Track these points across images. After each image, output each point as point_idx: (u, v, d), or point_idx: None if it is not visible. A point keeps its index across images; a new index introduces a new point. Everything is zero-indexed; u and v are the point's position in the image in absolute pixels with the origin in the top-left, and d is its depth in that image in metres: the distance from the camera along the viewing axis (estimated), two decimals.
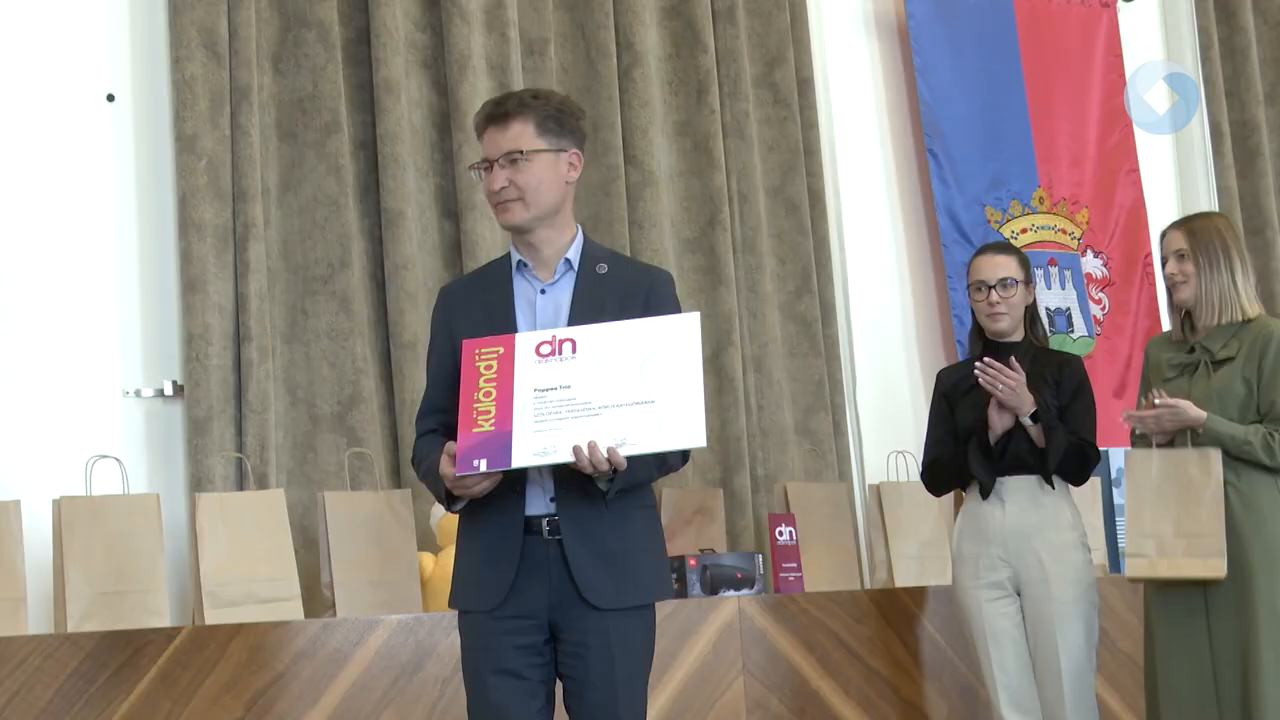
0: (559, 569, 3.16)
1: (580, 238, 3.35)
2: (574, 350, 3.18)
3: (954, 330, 6.06)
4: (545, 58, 5.38)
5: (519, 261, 3.31)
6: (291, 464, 4.75)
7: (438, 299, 3.42)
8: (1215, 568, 4.12)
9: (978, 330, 4.60)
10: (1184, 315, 4.41)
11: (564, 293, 3.28)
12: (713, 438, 5.46)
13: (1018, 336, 4.54)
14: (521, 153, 3.21)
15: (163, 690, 3.81)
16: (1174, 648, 4.26)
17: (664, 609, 4.49)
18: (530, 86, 5.26)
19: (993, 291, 4.49)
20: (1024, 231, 6.33)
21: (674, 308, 3.34)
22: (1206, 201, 6.91)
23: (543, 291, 3.29)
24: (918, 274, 6.24)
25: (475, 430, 3.09)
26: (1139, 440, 4.39)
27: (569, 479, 3.16)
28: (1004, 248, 4.72)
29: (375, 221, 4.97)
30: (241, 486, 4.52)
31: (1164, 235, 4.49)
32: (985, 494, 4.42)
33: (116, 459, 4.34)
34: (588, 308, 3.24)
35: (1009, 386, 4.24)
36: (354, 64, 4.99)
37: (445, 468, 3.08)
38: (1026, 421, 4.30)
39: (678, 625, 4.52)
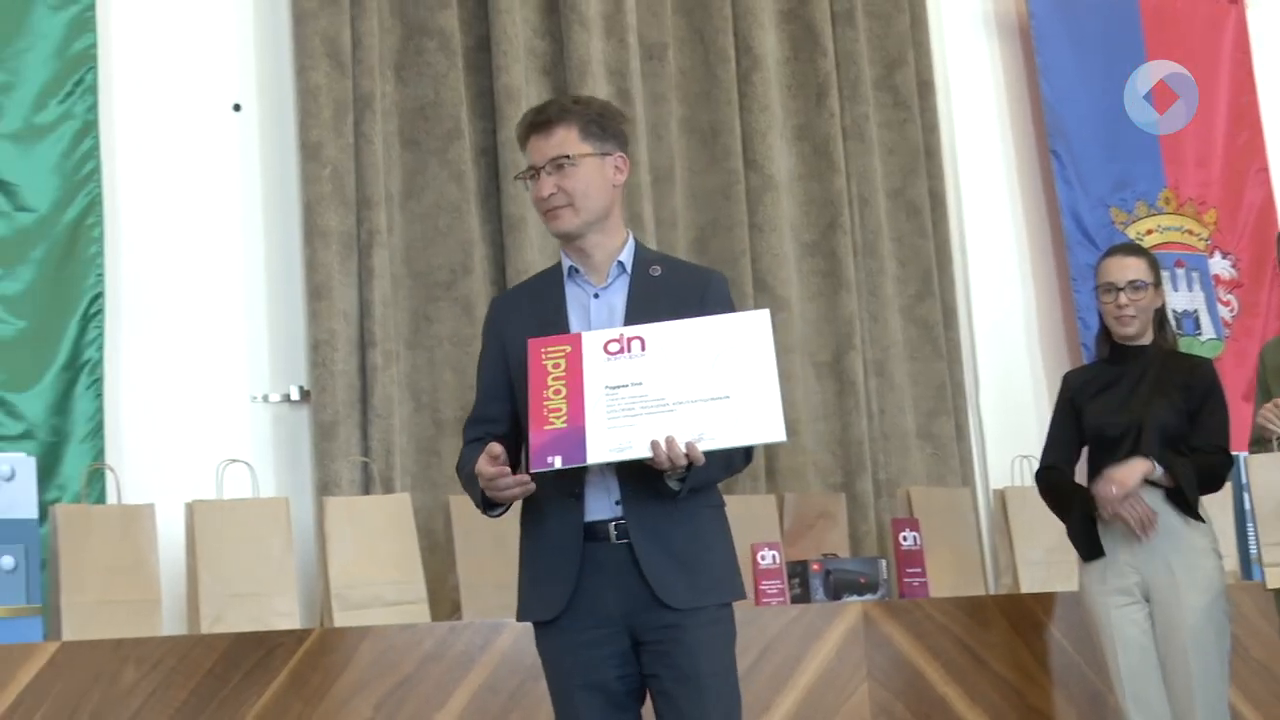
0: (630, 573, 3.10)
1: (631, 241, 3.31)
2: (643, 348, 3.15)
3: (1079, 333, 6.00)
4: (664, 62, 5.41)
5: (570, 268, 3.27)
6: (415, 468, 4.81)
7: (488, 309, 3.41)
8: None
9: (1105, 333, 4.56)
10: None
11: (618, 296, 3.25)
12: (834, 442, 5.47)
13: (1146, 340, 4.49)
14: (568, 157, 3.17)
15: (294, 691, 3.88)
16: None
17: (784, 615, 4.52)
18: (648, 91, 5.30)
19: (1121, 294, 4.45)
20: (1150, 233, 6.27)
21: (729, 307, 3.31)
22: None
23: (596, 295, 3.25)
24: (1041, 276, 6.20)
25: (548, 427, 3.03)
26: (1257, 446, 4.28)
27: (635, 480, 3.12)
28: (1133, 249, 4.68)
29: (496, 228, 5.02)
30: (367, 490, 4.58)
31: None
32: (1085, 558, 4.41)
33: (246, 463, 4.41)
34: (643, 310, 3.20)
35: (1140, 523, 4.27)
36: (475, 71, 5.05)
37: (484, 465, 3.03)
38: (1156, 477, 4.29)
39: (802, 629, 4.52)
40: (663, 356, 3.13)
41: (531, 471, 3.02)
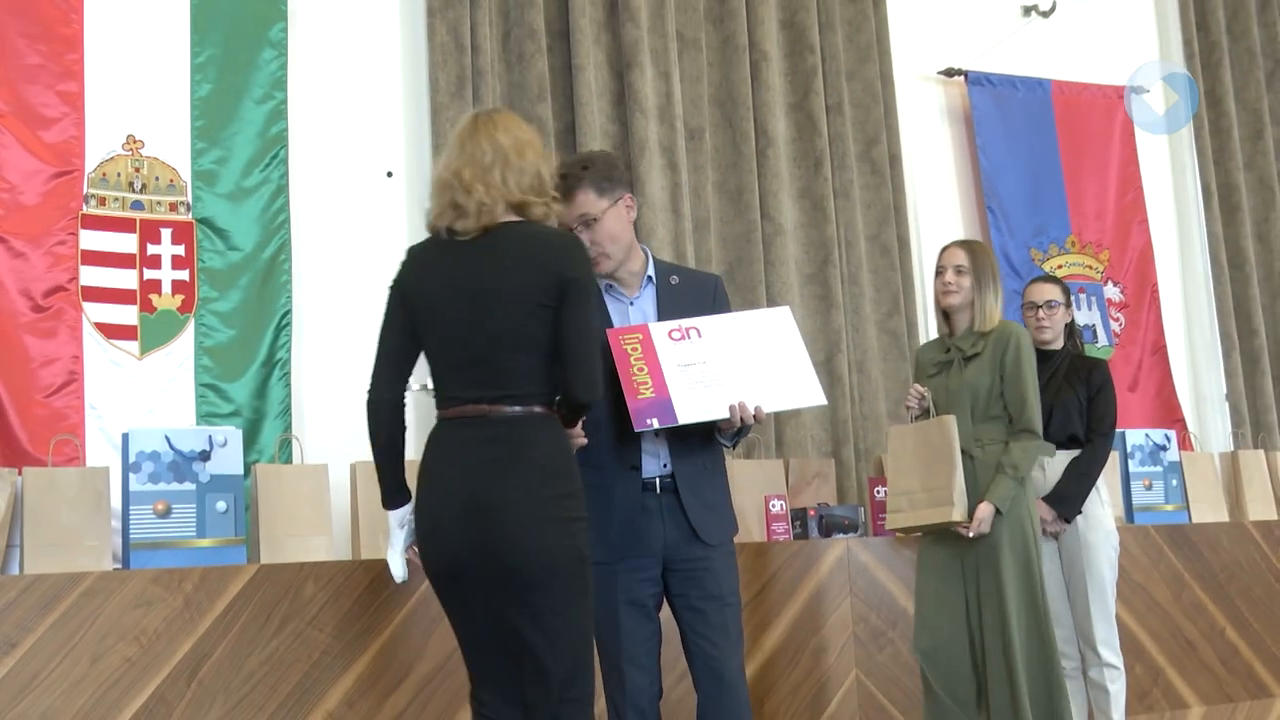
0: (676, 516, 3.06)
1: (650, 258, 3.22)
2: (699, 335, 3.10)
3: None
4: (702, 142, 5.34)
5: (606, 284, 3.18)
6: None
7: None
8: (947, 513, 3.75)
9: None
10: (945, 318, 4.06)
11: (649, 303, 3.18)
12: (826, 421, 5.39)
13: (1058, 345, 4.42)
14: (594, 218, 3.08)
15: (433, 598, 3.79)
16: (939, 593, 3.89)
17: (789, 548, 4.45)
18: (691, 162, 5.23)
19: (1040, 310, 4.39)
20: (1059, 267, 6.17)
21: (727, 301, 3.29)
22: (1199, 244, 6.70)
23: (631, 304, 3.18)
24: None
25: (640, 396, 2.97)
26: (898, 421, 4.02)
27: (681, 446, 3.08)
28: (1049, 278, 4.61)
29: None
30: None
31: (945, 250, 4.08)
32: None
33: None
34: (671, 312, 3.15)
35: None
36: (564, 149, 4.97)
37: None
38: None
39: (802, 559, 4.45)
40: (716, 342, 3.09)
41: (636, 430, 2.95)
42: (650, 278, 3.21)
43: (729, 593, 3.13)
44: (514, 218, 2.78)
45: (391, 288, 2.89)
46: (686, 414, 2.96)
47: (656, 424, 2.96)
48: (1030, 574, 3.82)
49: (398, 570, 2.89)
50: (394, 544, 2.91)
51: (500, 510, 2.66)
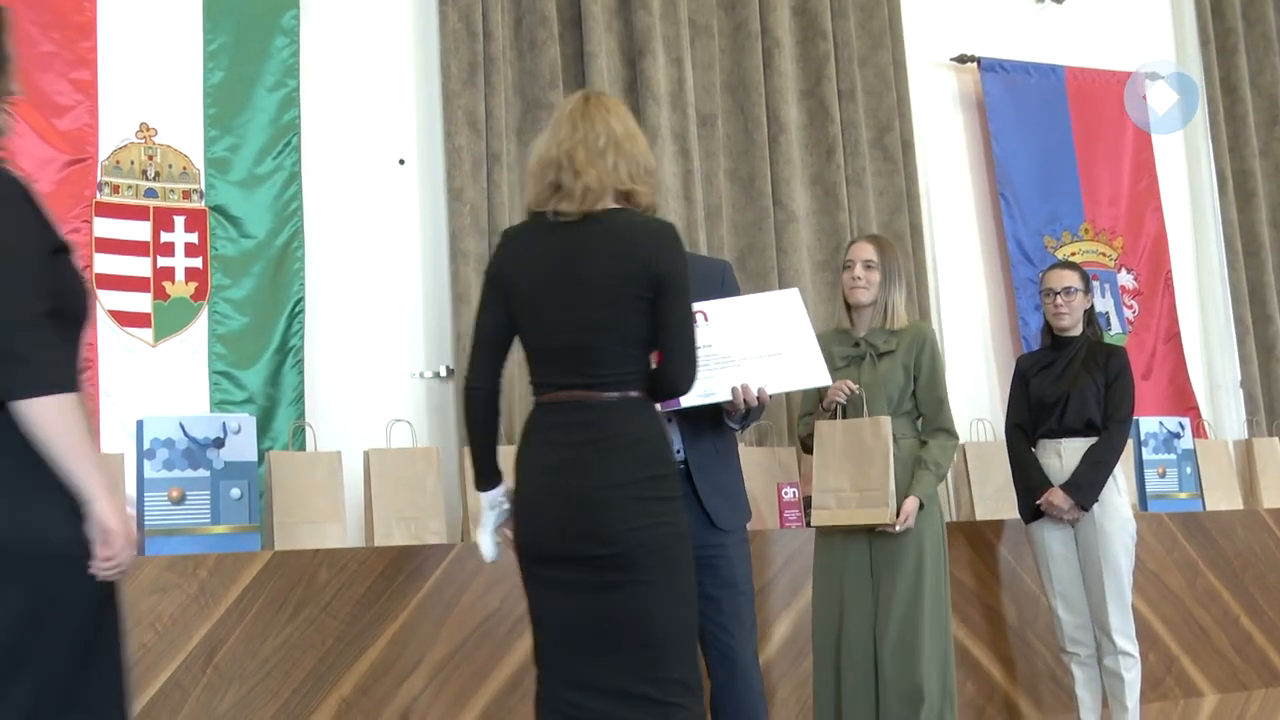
0: (690, 502, 3.02)
1: None
2: (706, 319, 3.09)
3: (1019, 329, 5.92)
4: (714, 129, 5.32)
5: None
6: None
7: None
8: (882, 515, 3.71)
9: (1047, 326, 4.48)
10: (847, 311, 3.99)
11: None
12: None
13: (1076, 332, 4.41)
14: None
15: (445, 585, 3.84)
16: (839, 591, 3.84)
17: (804, 534, 4.44)
18: (703, 149, 5.22)
19: (1059, 297, 4.37)
20: (1073, 255, 6.13)
21: (737, 286, 3.29)
22: (1214, 230, 6.67)
23: None
24: (992, 287, 6.08)
25: None
26: (827, 414, 3.92)
27: (694, 432, 3.08)
28: (1068, 264, 4.59)
29: None
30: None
31: (853, 244, 4.03)
32: (1026, 521, 4.41)
33: (408, 422, 4.39)
34: None
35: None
36: None
37: None
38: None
39: (813, 545, 4.44)
40: (723, 325, 3.09)
41: None
42: None
43: (743, 580, 3.13)
44: (615, 205, 2.76)
45: (487, 272, 2.85)
46: (690, 397, 2.94)
47: (659, 408, 2.96)
48: (940, 569, 3.84)
49: (488, 550, 2.88)
50: (485, 524, 2.90)
51: (597, 494, 2.64)
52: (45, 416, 2.10)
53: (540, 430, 2.74)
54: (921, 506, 3.79)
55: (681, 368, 2.73)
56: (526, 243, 2.79)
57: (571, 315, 2.70)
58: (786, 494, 4.62)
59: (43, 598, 2.09)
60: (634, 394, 2.72)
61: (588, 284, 2.69)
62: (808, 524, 4.65)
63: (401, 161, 4.78)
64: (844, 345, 3.95)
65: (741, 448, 4.57)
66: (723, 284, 3.27)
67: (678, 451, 3.08)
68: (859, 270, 3.92)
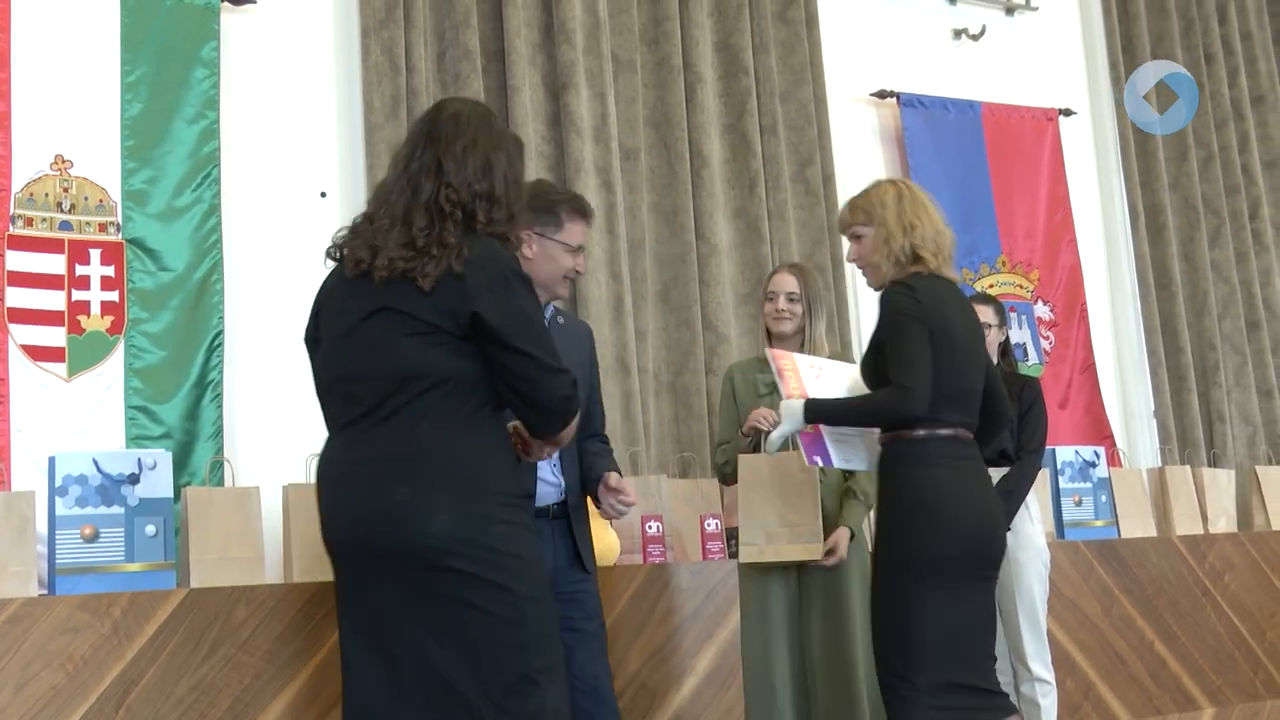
0: (566, 541, 3.22)
1: None
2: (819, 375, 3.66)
3: None
4: (638, 162, 5.36)
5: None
6: None
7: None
8: (815, 550, 3.68)
9: None
10: (771, 342, 3.94)
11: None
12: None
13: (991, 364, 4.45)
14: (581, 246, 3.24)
15: None
16: (767, 629, 3.80)
17: (725, 566, 4.45)
18: (626, 183, 5.25)
19: None
20: (990, 287, 6.24)
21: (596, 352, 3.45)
22: (1127, 263, 6.81)
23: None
24: None
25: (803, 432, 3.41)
26: (747, 450, 3.90)
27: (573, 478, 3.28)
28: (984, 298, 4.64)
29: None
30: None
31: (775, 274, 3.98)
32: None
33: None
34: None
35: None
36: None
37: None
38: None
39: (736, 577, 4.45)
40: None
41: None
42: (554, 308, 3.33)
43: (600, 615, 3.28)
44: None
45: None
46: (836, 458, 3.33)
47: (817, 460, 3.28)
48: (869, 598, 3.82)
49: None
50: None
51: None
52: None
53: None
54: (853, 537, 3.79)
55: None
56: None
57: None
58: (709, 525, 4.63)
59: None
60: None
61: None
62: (730, 556, 4.67)
63: (323, 194, 4.75)
64: (766, 374, 3.90)
65: (664, 479, 4.61)
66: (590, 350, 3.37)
67: (560, 490, 3.17)
68: (782, 303, 3.91)
